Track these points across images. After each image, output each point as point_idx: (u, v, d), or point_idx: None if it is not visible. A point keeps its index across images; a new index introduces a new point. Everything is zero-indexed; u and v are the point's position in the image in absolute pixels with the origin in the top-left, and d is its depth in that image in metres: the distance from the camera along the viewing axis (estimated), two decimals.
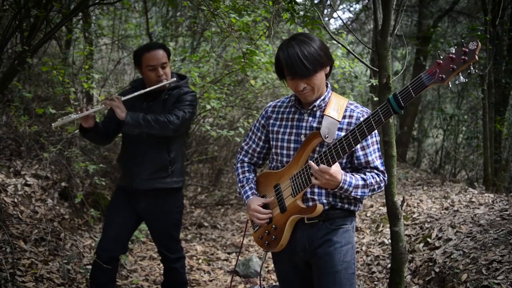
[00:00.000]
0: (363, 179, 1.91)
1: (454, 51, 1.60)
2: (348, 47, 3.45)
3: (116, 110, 2.65)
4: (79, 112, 2.63)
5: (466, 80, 1.62)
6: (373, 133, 1.94)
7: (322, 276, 1.97)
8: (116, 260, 2.85)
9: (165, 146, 2.77)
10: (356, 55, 3.29)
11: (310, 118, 1.99)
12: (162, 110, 2.75)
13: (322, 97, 1.98)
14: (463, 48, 1.57)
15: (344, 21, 5.23)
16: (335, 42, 3.33)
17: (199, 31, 6.22)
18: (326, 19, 9.75)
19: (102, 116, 4.45)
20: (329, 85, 2.03)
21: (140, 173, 2.77)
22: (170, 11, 7.81)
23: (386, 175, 2.00)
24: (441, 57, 1.62)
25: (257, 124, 2.17)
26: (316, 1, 8.15)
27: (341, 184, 1.84)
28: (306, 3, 3.34)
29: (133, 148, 2.81)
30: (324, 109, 1.95)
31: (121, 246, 2.86)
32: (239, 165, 2.23)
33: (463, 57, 1.57)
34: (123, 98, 2.71)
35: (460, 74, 1.60)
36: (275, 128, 2.07)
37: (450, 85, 1.63)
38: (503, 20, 6.65)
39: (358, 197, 1.92)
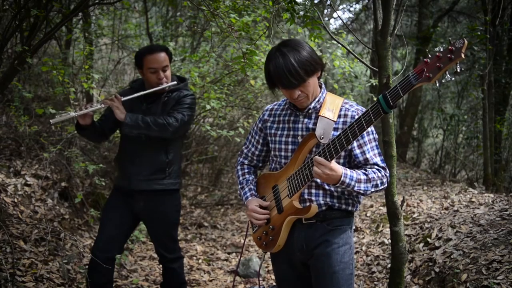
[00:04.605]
0: (364, 174, 1.89)
1: (441, 50, 1.61)
2: (348, 47, 3.45)
3: (115, 111, 2.65)
4: (78, 110, 2.63)
5: (453, 78, 1.63)
6: (370, 130, 1.94)
7: (320, 276, 1.97)
8: (113, 261, 2.83)
9: (163, 148, 2.78)
10: (356, 55, 3.29)
11: (306, 120, 1.99)
12: (161, 112, 2.75)
13: (317, 99, 1.98)
14: (450, 47, 1.58)
15: (344, 21, 5.23)
16: (335, 42, 3.33)
17: (199, 31, 6.22)
18: (326, 19, 9.75)
19: (100, 114, 4.46)
20: (323, 86, 2.04)
21: (137, 173, 2.77)
22: (170, 11, 7.82)
23: (387, 171, 1.97)
24: (429, 56, 1.63)
25: (255, 128, 2.19)
26: (316, 1, 8.14)
27: (342, 178, 1.81)
28: (306, 3, 3.34)
29: (131, 149, 2.80)
30: (319, 110, 1.96)
31: (117, 247, 2.85)
32: (239, 167, 2.26)
33: (449, 55, 1.58)
34: (123, 99, 2.70)
35: (447, 72, 1.61)
36: (273, 131, 2.08)
37: (437, 84, 1.63)
38: (503, 20, 6.64)
39: (362, 192, 1.87)
